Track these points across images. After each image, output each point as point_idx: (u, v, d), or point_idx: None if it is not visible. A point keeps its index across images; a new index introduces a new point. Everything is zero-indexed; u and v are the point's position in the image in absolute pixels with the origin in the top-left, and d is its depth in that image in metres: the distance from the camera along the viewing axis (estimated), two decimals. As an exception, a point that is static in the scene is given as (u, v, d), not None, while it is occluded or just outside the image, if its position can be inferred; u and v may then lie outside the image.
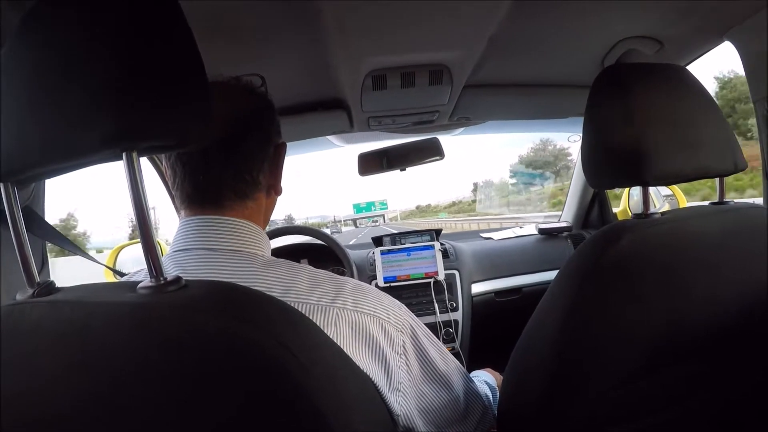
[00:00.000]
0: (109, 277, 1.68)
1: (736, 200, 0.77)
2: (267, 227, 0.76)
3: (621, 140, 0.67)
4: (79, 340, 0.43)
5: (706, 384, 0.65)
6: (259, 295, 0.45)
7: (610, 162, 0.69)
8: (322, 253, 1.77)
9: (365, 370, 0.57)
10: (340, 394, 0.44)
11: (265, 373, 0.39)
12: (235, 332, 0.40)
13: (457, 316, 1.75)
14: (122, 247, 1.93)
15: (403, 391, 0.61)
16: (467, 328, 1.77)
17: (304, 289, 0.58)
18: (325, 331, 0.56)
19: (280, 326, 0.42)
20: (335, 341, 0.56)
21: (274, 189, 0.71)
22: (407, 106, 1.42)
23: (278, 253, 1.78)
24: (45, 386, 0.45)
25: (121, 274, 1.30)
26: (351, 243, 2.55)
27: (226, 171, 0.64)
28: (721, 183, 0.76)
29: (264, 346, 0.40)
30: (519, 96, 1.53)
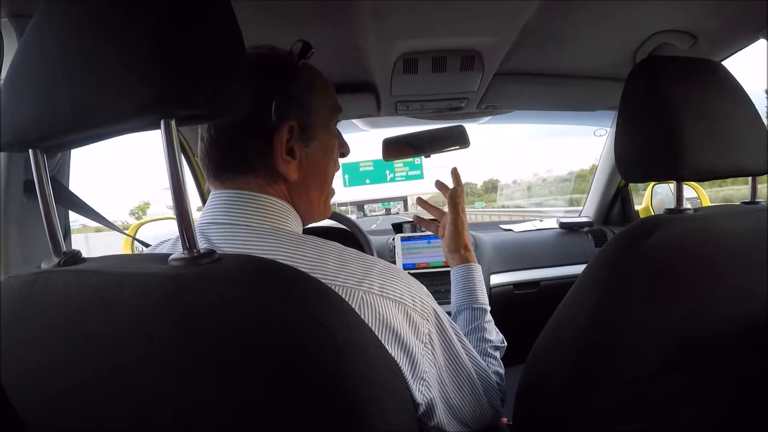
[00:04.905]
0: (128, 252, 1.69)
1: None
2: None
3: (655, 134, 0.66)
4: (107, 311, 0.43)
5: (732, 382, 0.65)
6: (294, 272, 0.45)
7: (644, 155, 0.69)
8: (344, 238, 1.77)
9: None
10: (372, 374, 0.44)
11: (300, 349, 0.40)
12: (271, 308, 0.40)
13: None
14: (143, 223, 1.91)
15: (427, 381, 0.59)
16: None
17: (330, 269, 0.56)
18: None
19: (315, 303, 0.42)
20: None
21: (285, 175, 0.63)
22: (437, 92, 1.41)
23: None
24: (70, 358, 0.46)
25: (146, 245, 1.31)
26: (372, 228, 2.54)
27: (213, 144, 0.64)
28: (754, 182, 0.75)
29: (300, 323, 0.40)
30: (548, 86, 1.52)
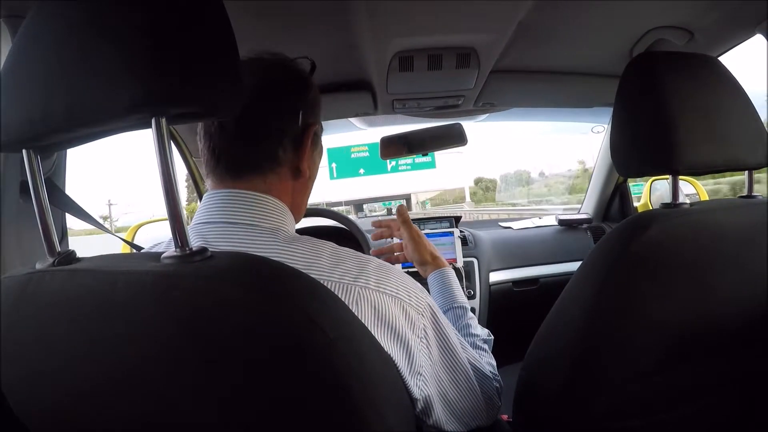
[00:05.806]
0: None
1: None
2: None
3: (652, 128, 0.66)
4: (102, 312, 0.43)
5: (733, 379, 0.65)
6: (286, 269, 0.45)
7: (640, 150, 0.68)
8: (343, 237, 1.77)
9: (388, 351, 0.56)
10: (365, 371, 0.44)
11: (293, 347, 0.40)
12: (262, 305, 0.40)
13: (475, 303, 1.74)
14: (141, 225, 1.90)
15: (423, 375, 0.59)
16: (484, 316, 1.76)
17: (326, 266, 0.57)
18: None
19: (307, 300, 0.42)
20: None
21: (300, 170, 0.68)
22: (433, 90, 1.41)
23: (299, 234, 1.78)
24: (67, 359, 0.45)
25: (138, 248, 1.31)
26: (371, 228, 2.52)
27: (238, 141, 0.64)
28: (750, 176, 0.75)
29: (292, 320, 0.40)
30: (545, 83, 1.52)
